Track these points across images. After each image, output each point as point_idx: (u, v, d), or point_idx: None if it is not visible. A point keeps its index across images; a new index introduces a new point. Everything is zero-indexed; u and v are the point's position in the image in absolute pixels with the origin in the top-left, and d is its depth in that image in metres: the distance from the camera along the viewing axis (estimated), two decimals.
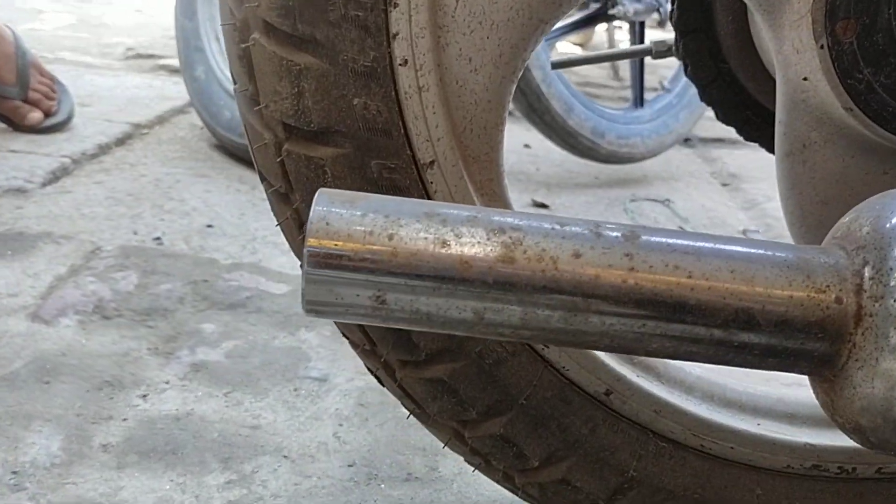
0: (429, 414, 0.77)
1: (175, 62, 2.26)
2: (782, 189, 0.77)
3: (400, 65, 0.67)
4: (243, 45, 0.67)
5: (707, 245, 0.48)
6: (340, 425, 1.05)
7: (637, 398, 0.77)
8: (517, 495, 0.82)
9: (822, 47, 0.65)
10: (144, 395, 1.06)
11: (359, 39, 0.66)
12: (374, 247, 0.47)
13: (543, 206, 2.04)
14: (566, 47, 4.18)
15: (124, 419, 1.02)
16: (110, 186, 1.75)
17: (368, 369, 0.78)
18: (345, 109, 0.67)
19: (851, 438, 0.51)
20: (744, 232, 2.05)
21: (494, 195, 0.76)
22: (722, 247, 0.48)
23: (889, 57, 0.65)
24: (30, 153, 1.83)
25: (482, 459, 0.79)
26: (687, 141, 2.70)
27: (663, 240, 0.48)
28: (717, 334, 0.47)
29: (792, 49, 0.68)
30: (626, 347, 0.49)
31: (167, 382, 1.10)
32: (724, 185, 2.43)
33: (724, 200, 2.28)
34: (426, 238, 0.47)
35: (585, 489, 0.78)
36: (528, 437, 0.76)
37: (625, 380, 0.76)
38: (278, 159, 0.68)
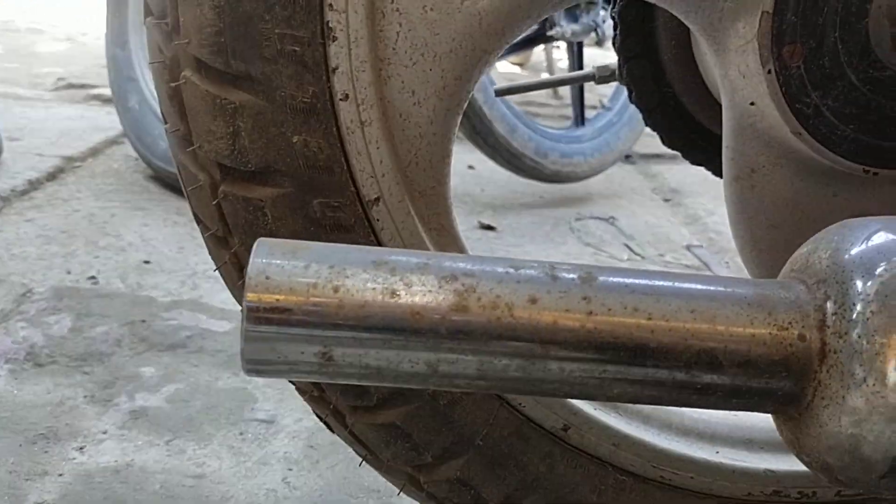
0: (382, 460, 0.74)
1: (108, 91, 2.20)
2: (732, 214, 0.76)
3: (341, 99, 0.64)
4: (174, 84, 0.63)
5: (666, 284, 0.46)
6: (290, 469, 1.01)
7: (595, 432, 0.76)
8: None
9: (769, 72, 0.65)
10: (81, 447, 1.01)
11: (296, 75, 0.63)
12: (319, 300, 0.44)
13: (490, 228, 2.02)
14: (505, 67, 4.20)
15: (60, 474, 0.96)
16: (42, 224, 1.68)
17: (317, 416, 0.75)
18: (284, 148, 0.64)
19: (819, 475, 0.49)
20: (687, 247, 2.06)
21: (443, 229, 0.73)
22: (681, 286, 0.46)
23: (836, 81, 0.64)
24: None
25: (438, 503, 0.77)
26: (628, 158, 2.73)
27: (621, 280, 0.46)
28: (680, 377, 0.45)
29: (738, 74, 0.68)
30: (587, 394, 0.47)
31: (105, 432, 1.04)
32: (666, 200, 2.45)
33: (666, 216, 2.30)
34: (374, 288, 0.44)
35: None
36: (485, 478, 0.74)
37: (582, 413, 0.75)
38: (214, 202, 0.65)
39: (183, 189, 0.68)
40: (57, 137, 2.29)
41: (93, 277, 1.47)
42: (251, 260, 0.45)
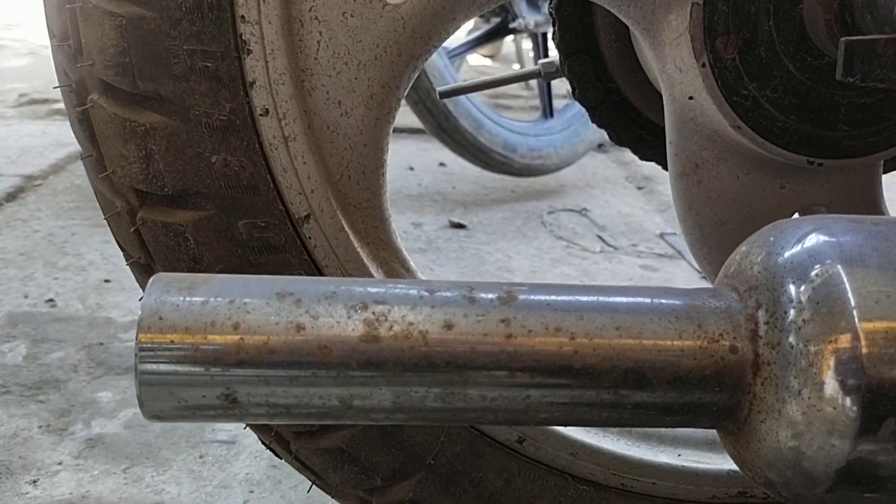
0: (331, 485, 0.72)
1: None
2: (679, 210, 0.74)
3: (261, 115, 0.62)
4: (81, 108, 0.60)
5: (590, 300, 0.44)
6: (251, 492, 0.98)
7: (551, 442, 0.73)
8: None
9: (703, 65, 0.62)
10: (35, 481, 0.98)
11: (211, 91, 0.60)
12: (217, 338, 0.41)
13: (461, 226, 2.00)
14: (476, 59, 4.17)
15: None
16: None
17: (262, 442, 0.72)
18: (202, 168, 0.61)
19: (765, 491, 0.47)
20: (661, 235, 2.04)
21: (381, 242, 0.71)
22: (606, 300, 0.44)
23: (773, 70, 0.62)
24: None
25: None
26: (600, 147, 2.71)
27: (542, 298, 0.44)
28: (608, 397, 0.43)
29: (675, 68, 0.65)
30: (513, 420, 0.44)
31: (60, 463, 1.01)
32: (640, 188, 2.43)
33: (640, 204, 2.28)
34: (277, 323, 0.42)
35: None
36: (439, 498, 0.71)
37: None
38: (133, 229, 0.62)
39: (102, 215, 0.66)
40: (17, 156, 2.25)
41: (51, 300, 1.44)
42: (144, 299, 0.42)
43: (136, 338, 0.41)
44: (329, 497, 0.98)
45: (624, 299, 0.44)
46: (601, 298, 0.44)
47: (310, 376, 0.42)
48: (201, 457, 1.05)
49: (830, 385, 0.40)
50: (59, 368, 1.21)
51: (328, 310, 0.42)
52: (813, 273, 0.42)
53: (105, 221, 0.67)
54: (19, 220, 1.81)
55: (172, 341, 0.41)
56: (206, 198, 0.61)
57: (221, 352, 0.41)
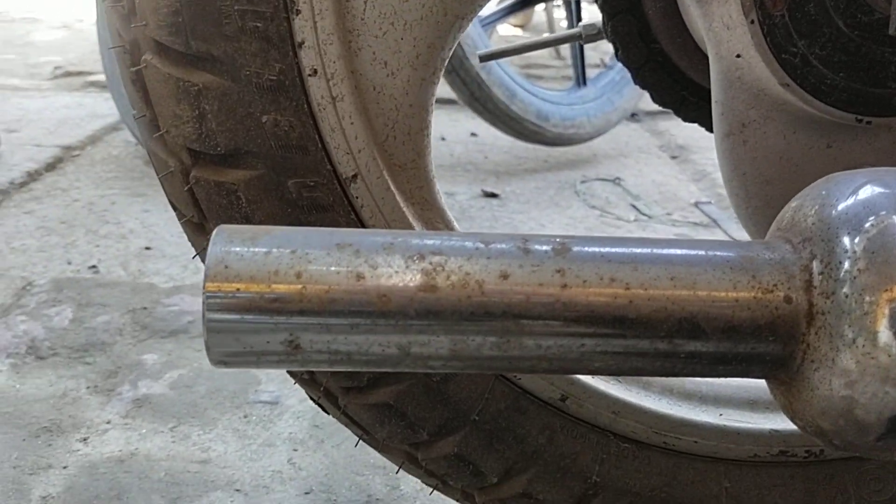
0: (378, 439, 0.73)
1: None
2: (725, 171, 0.74)
3: (309, 75, 0.62)
4: (135, 69, 0.61)
5: (644, 251, 0.44)
6: (295, 450, 1.01)
7: (594, 400, 0.74)
8: None
9: (752, 22, 0.62)
10: (85, 439, 1.01)
11: (261, 52, 0.61)
12: (281, 287, 0.42)
13: (493, 195, 2.00)
14: (506, 30, 4.14)
15: (64, 466, 0.96)
16: (41, 215, 1.68)
17: (311, 398, 0.74)
18: (253, 128, 0.62)
19: (816, 440, 0.48)
20: (695, 204, 2.03)
21: (426, 203, 0.72)
22: (660, 252, 0.45)
23: (822, 27, 0.62)
24: None
25: (438, 480, 0.76)
26: (633, 116, 2.69)
27: (597, 250, 0.44)
28: (663, 346, 0.44)
29: (722, 26, 0.65)
30: (567, 369, 0.45)
31: (108, 422, 1.04)
32: (674, 157, 2.41)
33: (674, 174, 2.27)
34: (338, 272, 0.43)
35: (548, 500, 0.74)
36: (483, 453, 0.73)
37: (579, 383, 0.73)
38: (186, 188, 0.64)
39: (157, 176, 0.67)
40: (55, 127, 2.28)
41: (93, 267, 1.47)
42: (209, 249, 0.43)
43: (203, 286, 0.42)
44: (370, 455, 1.00)
45: (678, 251, 0.45)
46: (655, 250, 0.45)
47: (369, 324, 0.43)
48: (245, 416, 1.07)
49: (885, 334, 0.40)
50: (105, 332, 1.24)
51: (386, 260, 0.43)
52: (868, 224, 0.42)
53: (144, 191, 0.68)
54: (59, 190, 1.84)
55: (238, 289, 0.42)
56: (257, 157, 0.62)
57: (285, 299, 0.42)
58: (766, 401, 0.79)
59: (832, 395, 0.43)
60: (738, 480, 0.77)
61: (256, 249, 0.43)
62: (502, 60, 2.11)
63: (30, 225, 1.62)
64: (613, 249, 0.45)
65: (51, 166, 1.97)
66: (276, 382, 1.15)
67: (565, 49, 3.38)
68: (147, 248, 1.55)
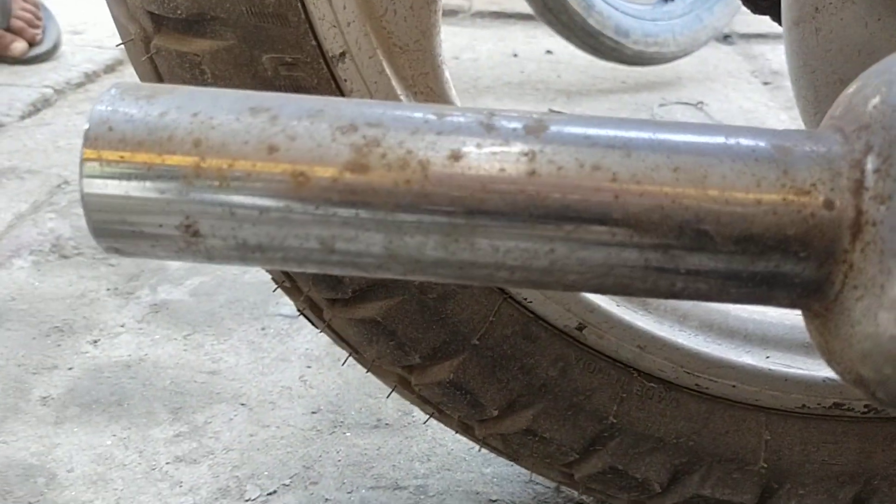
0: (367, 359, 0.66)
1: None
2: (792, 67, 0.62)
3: None
4: None
5: (643, 135, 0.34)
6: (308, 367, 0.94)
7: (616, 332, 0.65)
8: (481, 447, 0.71)
9: None
10: (95, 341, 0.97)
11: None
12: (174, 157, 0.34)
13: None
14: None
15: (70, 368, 0.93)
16: None
17: (298, 309, 0.67)
18: None
19: (856, 390, 0.37)
20: None
21: (431, 92, 0.62)
22: (664, 136, 0.34)
23: None
24: (11, 85, 1.73)
25: (433, 408, 0.68)
26: (726, 38, 2.49)
27: (581, 130, 0.35)
28: (657, 258, 0.34)
29: None
30: (534, 281, 0.36)
31: (122, 326, 1.00)
32: (766, 83, 2.22)
33: (764, 100, 2.09)
34: (246, 143, 0.34)
35: (556, 440, 0.66)
36: (484, 382, 0.64)
37: (601, 310, 0.64)
38: (146, 57, 0.56)
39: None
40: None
41: None
42: (93, 108, 0.35)
43: (81, 152, 0.34)
44: None
45: (689, 137, 0.34)
46: (657, 134, 0.34)
47: (282, 210, 0.34)
48: (263, 329, 1.01)
49: None
50: None
51: (309, 130, 0.34)
52: None
53: None
54: None
55: (122, 158, 0.34)
56: (226, 25, 0.54)
57: (177, 173, 0.34)
58: None
59: (879, 334, 0.32)
60: (781, 433, 0.67)
61: (150, 110, 0.35)
62: None
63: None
64: (603, 131, 0.35)
65: (110, 68, 1.94)
66: None
67: None
68: None
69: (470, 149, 0.34)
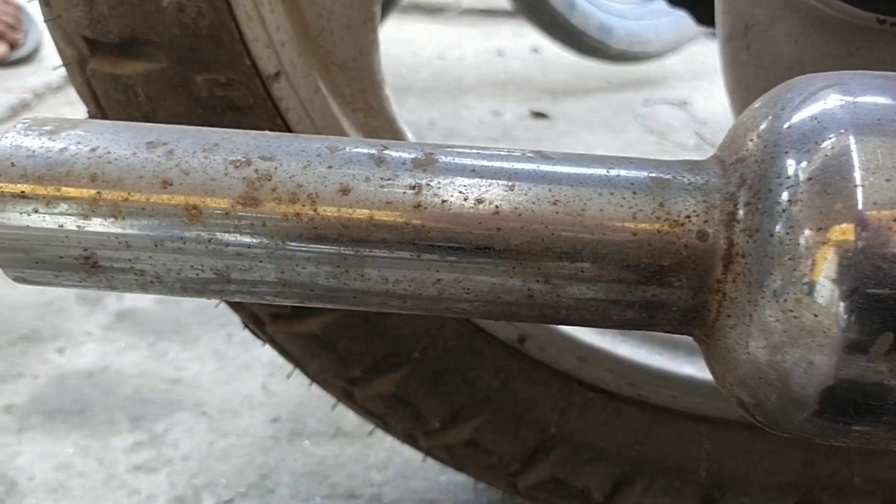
0: (310, 373, 0.67)
1: None
2: (726, 82, 0.63)
3: None
4: None
5: (528, 167, 0.35)
6: (272, 375, 0.95)
7: (558, 344, 0.66)
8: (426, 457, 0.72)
9: None
10: (61, 349, 0.98)
11: None
12: (72, 191, 0.35)
13: (542, 116, 1.88)
14: None
15: (35, 377, 0.94)
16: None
17: (243, 323, 0.68)
18: (152, 14, 0.54)
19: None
20: None
21: (371, 109, 0.63)
22: (549, 168, 0.35)
23: None
24: None
25: (378, 420, 0.69)
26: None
27: (469, 162, 0.36)
28: (539, 287, 0.35)
29: None
30: (426, 308, 0.37)
31: (89, 334, 1.01)
32: None
33: None
34: (141, 177, 0.35)
35: (499, 451, 0.67)
36: (425, 395, 0.65)
37: (542, 324, 0.64)
38: (82, 80, 0.57)
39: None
40: None
41: None
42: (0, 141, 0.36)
43: None
44: None
45: (573, 169, 0.35)
46: (543, 166, 0.35)
47: (177, 241, 0.35)
48: (229, 336, 1.02)
49: (815, 286, 0.30)
50: None
51: (203, 164, 0.35)
52: (813, 142, 0.32)
53: None
54: None
55: (23, 192, 0.35)
56: (158, 47, 0.55)
57: (75, 207, 0.35)
58: None
59: (751, 361, 0.33)
60: (723, 443, 0.68)
61: (51, 145, 0.36)
62: None
63: None
64: (490, 163, 0.35)
65: None
66: None
67: None
68: None
69: (358, 182, 0.35)
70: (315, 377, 0.67)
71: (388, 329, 0.63)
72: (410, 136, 0.65)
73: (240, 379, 0.95)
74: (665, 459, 0.68)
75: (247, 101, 0.58)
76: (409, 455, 0.84)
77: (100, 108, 0.58)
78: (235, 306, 0.66)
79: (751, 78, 0.60)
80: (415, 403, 0.65)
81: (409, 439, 0.70)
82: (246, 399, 0.92)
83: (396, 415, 0.66)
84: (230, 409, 0.90)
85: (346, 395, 0.68)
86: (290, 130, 0.59)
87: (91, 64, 0.56)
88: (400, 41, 2.30)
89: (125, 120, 0.57)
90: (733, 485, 0.68)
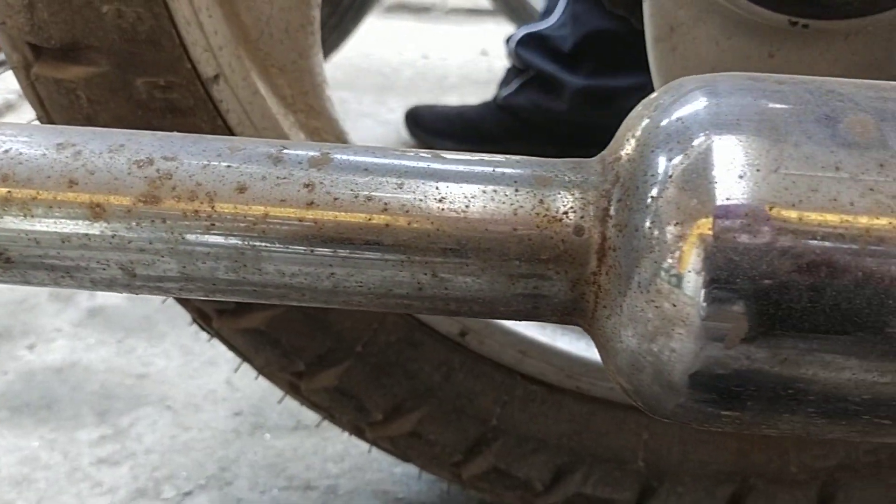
0: (256, 366, 0.69)
1: None
2: (656, 83, 0.64)
3: None
4: None
5: (419, 165, 0.37)
6: (236, 371, 0.97)
7: (498, 337, 0.67)
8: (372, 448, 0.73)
9: None
10: (32, 346, 1.00)
11: None
12: None
13: None
14: None
15: (5, 372, 0.96)
16: None
17: (192, 319, 0.69)
18: (92, 19, 0.56)
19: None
20: None
21: (311, 110, 0.65)
22: (438, 166, 0.37)
23: None
24: None
25: (325, 412, 0.71)
26: None
27: (362, 160, 0.37)
28: (427, 280, 0.37)
29: None
30: (324, 300, 0.39)
31: (59, 330, 1.03)
32: None
33: None
34: (49, 177, 0.37)
35: (441, 442, 0.69)
36: (368, 388, 0.67)
37: None
38: (27, 84, 0.58)
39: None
40: None
41: None
42: None
43: None
44: None
45: (461, 167, 0.37)
46: (433, 165, 0.37)
47: (82, 237, 0.37)
48: (196, 332, 1.04)
49: (677, 278, 0.32)
50: None
51: (108, 164, 0.37)
52: (676, 141, 0.34)
53: None
54: None
55: None
56: (99, 52, 0.56)
57: None
58: None
59: (625, 349, 0.35)
60: (661, 433, 0.69)
61: None
62: None
63: None
64: (383, 161, 0.37)
65: None
66: None
67: None
68: None
69: (255, 181, 0.37)
70: (261, 371, 0.69)
71: (330, 324, 0.65)
72: (352, 138, 0.67)
73: (205, 374, 0.97)
74: (604, 450, 0.69)
75: (187, 104, 0.59)
76: (365, 447, 0.86)
77: (45, 112, 0.60)
78: (183, 302, 0.67)
79: (676, 78, 0.62)
80: (358, 396, 0.67)
81: (356, 431, 0.72)
82: (210, 394, 0.94)
83: (341, 407, 0.68)
84: (194, 404, 0.92)
85: (293, 388, 0.70)
86: (230, 132, 0.61)
87: (35, 69, 0.58)
88: (385, 41, 2.31)
89: (68, 123, 0.59)
90: (670, 474, 0.69)
